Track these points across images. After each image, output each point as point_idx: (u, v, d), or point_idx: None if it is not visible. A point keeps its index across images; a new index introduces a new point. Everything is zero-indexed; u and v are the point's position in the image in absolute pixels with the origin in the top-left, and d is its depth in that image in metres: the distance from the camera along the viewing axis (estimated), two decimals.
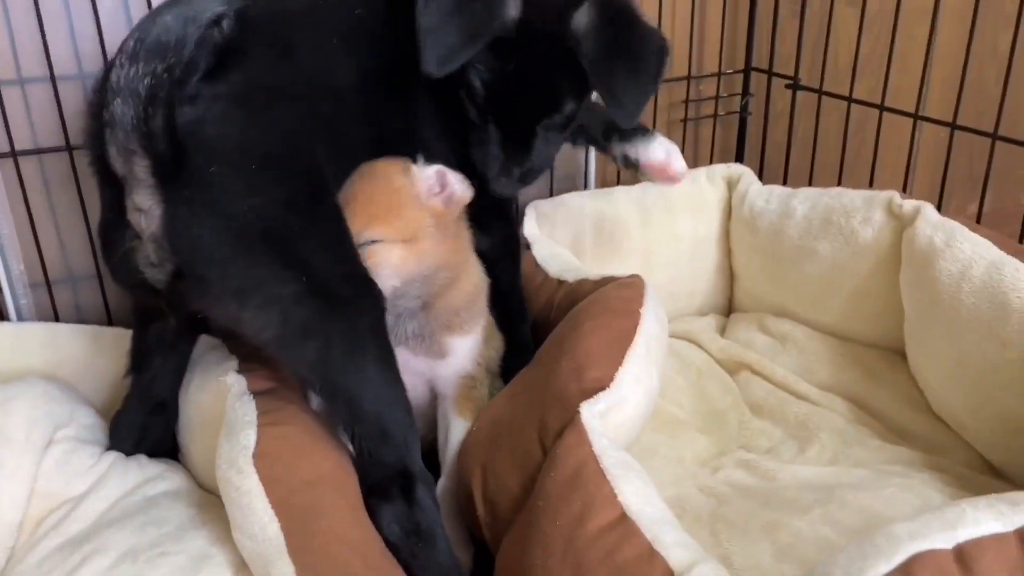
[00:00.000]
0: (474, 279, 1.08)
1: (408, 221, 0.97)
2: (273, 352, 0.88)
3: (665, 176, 1.14)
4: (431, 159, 0.98)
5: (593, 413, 0.84)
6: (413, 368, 1.06)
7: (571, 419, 0.84)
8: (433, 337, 1.05)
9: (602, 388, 0.87)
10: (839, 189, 1.23)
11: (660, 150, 1.13)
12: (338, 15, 0.97)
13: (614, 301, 0.99)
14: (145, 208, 0.82)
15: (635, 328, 0.93)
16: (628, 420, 0.90)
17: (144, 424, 1.04)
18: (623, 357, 0.90)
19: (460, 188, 1.00)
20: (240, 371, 0.99)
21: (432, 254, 0.99)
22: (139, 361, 1.03)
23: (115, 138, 0.79)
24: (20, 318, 1.20)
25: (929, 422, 1.10)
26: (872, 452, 1.07)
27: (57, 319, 1.21)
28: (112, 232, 0.87)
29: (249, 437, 0.87)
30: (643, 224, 1.38)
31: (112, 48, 1.11)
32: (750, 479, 1.04)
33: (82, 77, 1.14)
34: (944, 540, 0.61)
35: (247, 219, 0.82)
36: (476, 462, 0.94)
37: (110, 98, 0.77)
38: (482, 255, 1.08)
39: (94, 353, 1.14)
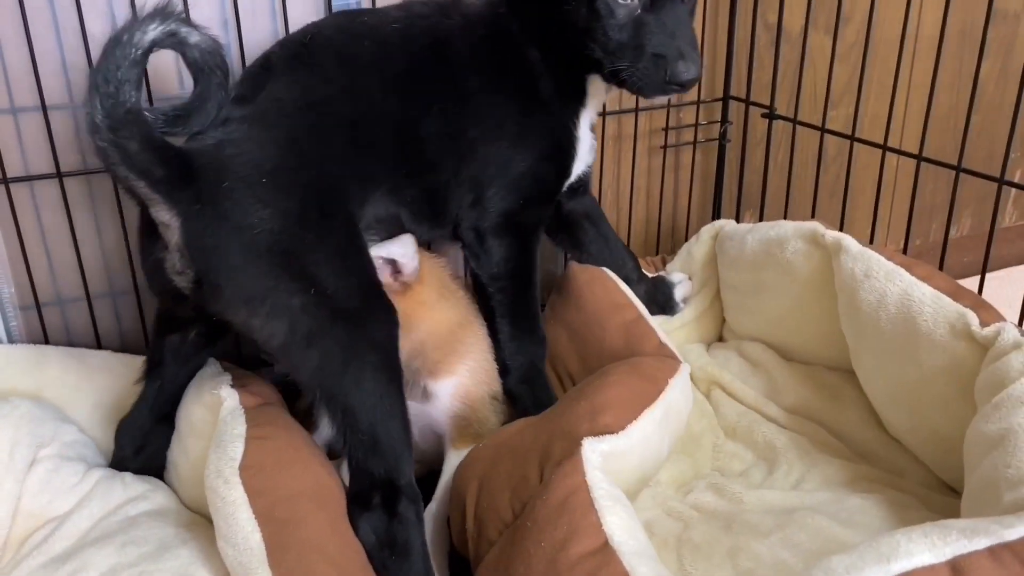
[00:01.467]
0: (445, 322, 1.11)
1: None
2: (280, 358, 0.94)
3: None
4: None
5: (595, 449, 0.88)
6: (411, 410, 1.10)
7: (572, 451, 0.87)
8: (415, 380, 1.09)
9: (612, 433, 0.90)
10: (778, 222, 1.27)
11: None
12: (369, 28, 1.05)
13: (646, 366, 1.03)
14: (167, 221, 0.89)
15: (658, 394, 0.97)
16: (626, 471, 0.93)
17: (148, 431, 1.08)
18: (639, 414, 0.93)
19: (410, 265, 1.06)
20: (233, 386, 1.03)
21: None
22: (151, 369, 1.08)
23: (110, 167, 0.86)
24: (10, 340, 1.23)
25: (886, 441, 1.13)
26: (836, 471, 1.10)
27: (47, 341, 1.24)
28: (146, 241, 0.95)
29: (237, 449, 0.91)
30: None
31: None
32: (718, 502, 1.06)
33: (73, 107, 1.17)
34: (878, 573, 0.64)
35: (257, 231, 0.89)
36: (474, 476, 0.98)
37: (91, 136, 0.83)
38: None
39: (81, 375, 1.17)
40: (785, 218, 1.48)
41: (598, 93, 1.16)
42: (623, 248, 1.34)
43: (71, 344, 1.25)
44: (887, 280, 1.06)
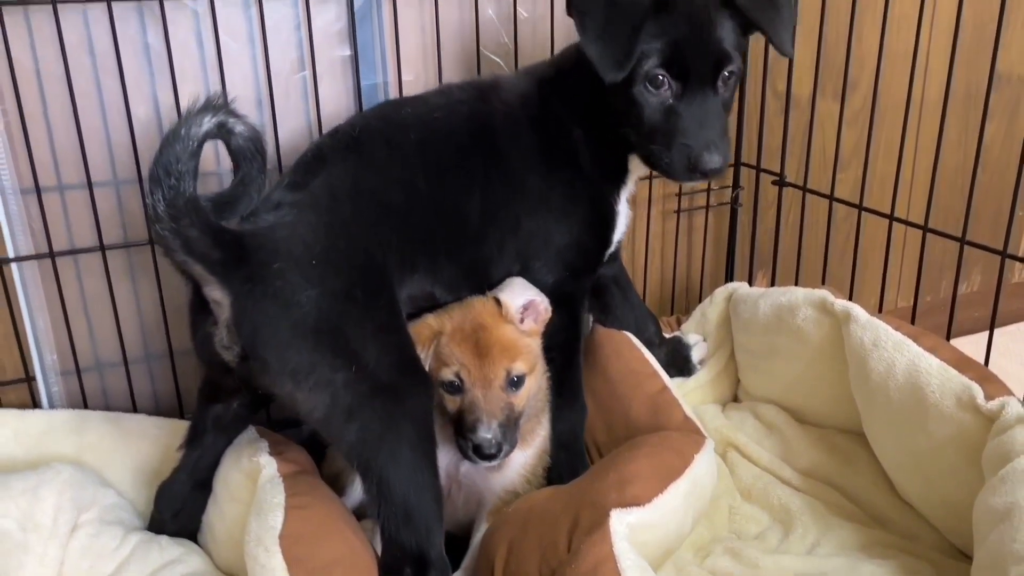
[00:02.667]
0: (536, 385, 1.16)
1: (529, 351, 1.12)
2: (321, 430, 0.99)
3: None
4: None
5: (622, 521, 0.91)
6: (464, 475, 1.14)
7: (601, 521, 0.91)
8: None
9: (639, 505, 0.94)
10: (789, 288, 1.31)
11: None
12: (414, 118, 1.12)
13: (674, 440, 1.07)
14: (219, 299, 0.95)
15: (684, 468, 1.01)
16: (652, 543, 0.96)
17: (187, 497, 1.13)
18: (666, 487, 0.97)
19: (544, 305, 1.14)
20: (271, 453, 1.08)
21: (542, 373, 1.16)
22: (193, 437, 1.12)
23: (169, 253, 0.91)
24: (51, 404, 1.28)
25: (900, 506, 1.16)
26: (850, 535, 1.12)
27: (86, 405, 1.29)
28: (196, 315, 1.00)
29: (277, 518, 0.95)
30: None
31: (144, 155, 1.21)
32: (735, 567, 1.09)
33: (116, 183, 1.24)
34: None
35: (304, 308, 0.94)
36: (503, 539, 1.01)
37: (151, 224, 0.89)
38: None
39: (118, 439, 1.22)
40: (797, 279, 1.53)
41: (638, 169, 1.20)
42: (647, 312, 1.39)
43: (108, 407, 1.31)
44: (895, 350, 1.10)
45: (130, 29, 1.18)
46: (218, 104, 0.92)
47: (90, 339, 1.29)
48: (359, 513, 1.12)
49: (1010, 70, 1.82)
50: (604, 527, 0.89)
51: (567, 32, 1.43)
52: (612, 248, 1.25)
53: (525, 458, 1.15)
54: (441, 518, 0.98)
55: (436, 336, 1.10)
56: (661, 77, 1.05)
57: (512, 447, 1.09)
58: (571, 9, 1.04)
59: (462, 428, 1.08)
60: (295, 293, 0.93)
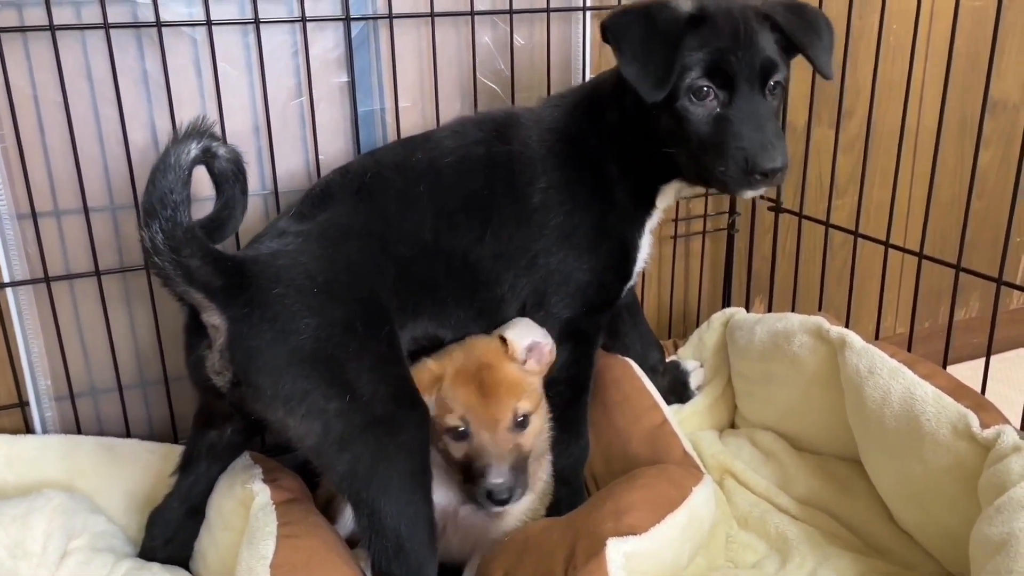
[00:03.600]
0: (540, 426, 1.14)
1: (533, 390, 1.11)
2: (312, 458, 0.98)
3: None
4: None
5: (619, 550, 0.91)
6: (462, 518, 1.13)
7: (597, 551, 0.90)
8: None
9: (635, 535, 0.93)
10: (787, 315, 1.31)
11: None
12: (425, 165, 1.10)
13: (673, 472, 1.07)
14: (216, 324, 0.94)
15: (683, 500, 1.00)
16: (648, 574, 0.95)
17: (179, 524, 1.12)
18: (663, 518, 0.97)
19: (549, 347, 1.13)
20: (264, 480, 1.07)
21: (544, 412, 1.14)
22: (187, 464, 1.11)
23: (168, 283, 0.91)
24: (44, 430, 1.27)
25: (898, 534, 1.14)
26: (848, 565, 1.11)
27: (79, 430, 1.28)
28: (191, 338, 0.99)
29: (268, 547, 0.94)
30: None
31: (141, 182, 1.21)
32: None
33: (112, 208, 1.24)
34: None
35: (302, 336, 0.93)
36: (500, 568, 1.01)
37: (149, 257, 0.88)
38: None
39: (111, 464, 1.21)
40: (793, 306, 1.52)
41: (667, 200, 1.18)
42: (653, 339, 1.39)
43: (102, 432, 1.30)
44: (891, 378, 1.09)
45: (128, 56, 1.19)
46: (201, 129, 0.91)
47: (85, 364, 1.29)
48: (352, 541, 1.11)
49: (1006, 97, 1.83)
50: (600, 556, 0.88)
51: (563, 59, 1.45)
52: (632, 282, 1.23)
53: (529, 502, 1.13)
54: (435, 551, 0.97)
55: (438, 381, 1.08)
56: (706, 88, 1.02)
57: (524, 491, 1.06)
58: (606, 34, 1.04)
59: (471, 475, 1.05)
60: (294, 320, 0.93)
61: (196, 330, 0.97)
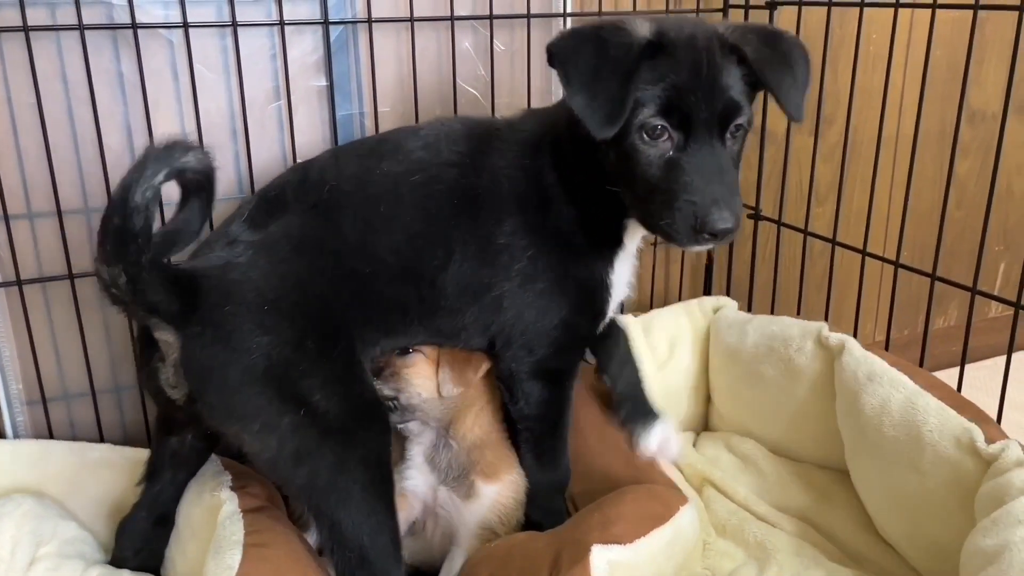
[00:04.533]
0: (486, 425, 1.15)
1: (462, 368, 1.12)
2: (269, 473, 0.98)
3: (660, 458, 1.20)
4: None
5: (603, 557, 0.90)
6: (441, 506, 1.13)
7: (582, 557, 0.90)
8: (466, 474, 1.12)
9: (620, 544, 0.93)
10: (781, 318, 1.31)
11: (653, 441, 1.18)
12: (390, 182, 1.04)
13: (659, 492, 1.06)
14: (169, 340, 0.93)
15: (669, 517, 1.00)
16: None
17: (148, 533, 1.10)
18: (649, 531, 0.96)
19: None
20: (233, 487, 1.06)
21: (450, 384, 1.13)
22: (151, 473, 1.10)
23: (125, 310, 0.90)
24: (16, 435, 1.26)
25: (877, 544, 1.14)
26: (826, 574, 1.10)
27: (51, 435, 1.27)
28: (145, 348, 0.98)
29: (235, 557, 0.93)
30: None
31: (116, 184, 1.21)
32: None
33: (87, 211, 1.23)
34: None
35: (253, 355, 0.92)
36: (485, 571, 1.01)
37: (106, 290, 0.88)
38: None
39: (82, 470, 1.20)
40: (772, 310, 1.52)
41: (636, 236, 1.10)
42: (631, 360, 1.27)
43: (75, 437, 1.28)
44: (891, 386, 1.09)
45: (103, 58, 1.18)
46: (160, 155, 0.85)
47: (57, 368, 1.27)
48: (322, 549, 1.10)
49: (985, 107, 1.84)
50: (584, 562, 0.88)
51: (544, 65, 1.44)
52: (607, 317, 1.15)
53: (494, 493, 1.13)
54: (399, 560, 0.96)
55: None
56: (660, 127, 0.92)
57: None
58: (552, 60, 0.94)
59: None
60: (245, 339, 0.92)
61: (150, 342, 0.96)
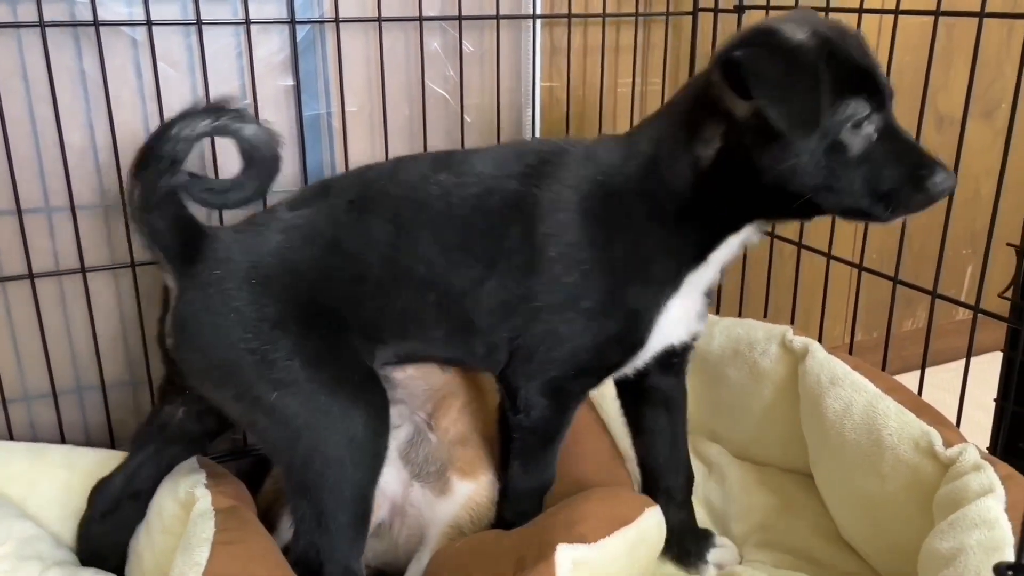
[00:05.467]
0: (484, 432, 1.16)
1: None
2: (249, 432, 1.02)
3: None
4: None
5: (567, 556, 0.90)
6: (412, 504, 1.13)
7: (547, 555, 0.90)
8: (442, 470, 1.12)
9: (585, 543, 0.93)
10: (747, 321, 1.32)
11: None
12: (441, 191, 1.02)
13: (625, 495, 1.06)
14: (171, 287, 0.99)
15: (634, 518, 0.99)
16: None
17: (119, 501, 1.11)
18: (613, 531, 0.96)
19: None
20: (207, 485, 1.06)
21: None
22: (139, 438, 1.11)
23: (137, 231, 0.97)
24: None
25: (840, 547, 1.15)
26: None
27: (11, 436, 1.25)
28: (165, 302, 1.02)
29: (203, 554, 0.93)
30: None
31: (77, 184, 1.20)
32: None
33: (48, 211, 1.22)
34: None
35: (229, 322, 0.96)
36: (448, 570, 1.02)
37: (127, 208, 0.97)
38: None
39: (41, 470, 1.18)
40: (740, 312, 1.53)
41: (725, 253, 1.03)
42: (686, 457, 1.19)
43: (36, 439, 1.27)
44: (853, 390, 1.10)
45: (65, 55, 1.17)
46: (221, 107, 0.94)
47: (17, 369, 1.26)
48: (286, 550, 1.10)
49: (953, 112, 1.85)
50: (549, 560, 0.88)
51: (513, 66, 1.45)
52: (656, 352, 1.06)
53: (470, 491, 1.13)
54: (359, 552, 0.98)
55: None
56: (866, 114, 0.90)
57: None
58: (733, 74, 0.89)
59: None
60: (225, 304, 0.96)
61: (167, 295, 1.01)
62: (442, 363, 1.14)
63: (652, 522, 1.03)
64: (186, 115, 0.92)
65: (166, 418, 1.09)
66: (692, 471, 1.18)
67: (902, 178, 0.91)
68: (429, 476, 1.13)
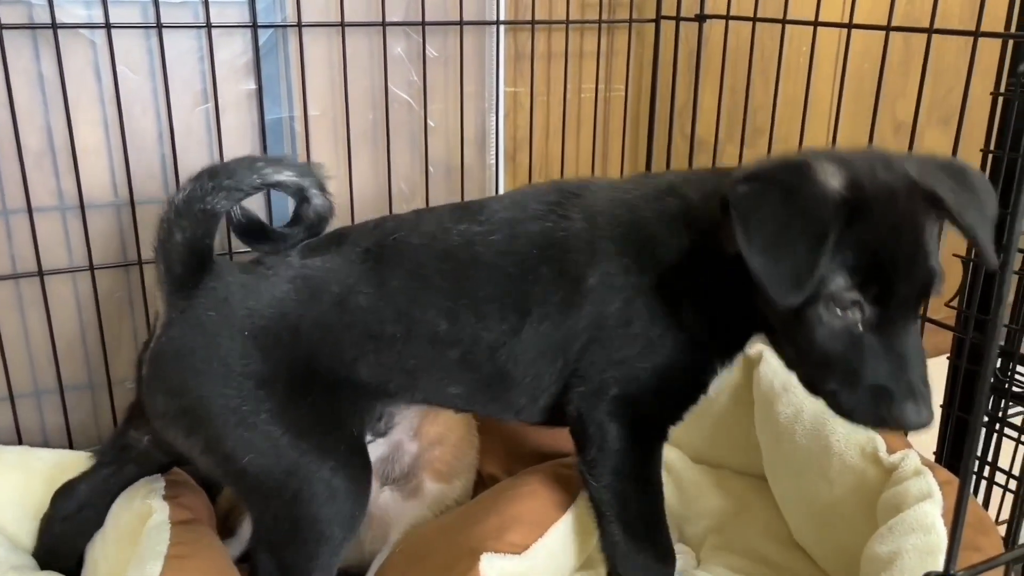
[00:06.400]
0: (465, 429, 1.17)
1: None
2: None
3: None
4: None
5: (493, 566, 0.91)
6: (380, 506, 1.14)
7: (472, 567, 0.91)
8: (414, 471, 1.13)
9: (516, 554, 0.94)
10: None
11: None
12: (463, 240, 0.96)
13: (566, 473, 1.06)
14: (160, 308, 0.94)
15: (571, 502, 1.00)
16: None
17: (81, 507, 1.08)
18: (547, 529, 0.96)
19: None
20: (165, 497, 1.05)
21: None
22: (102, 456, 1.08)
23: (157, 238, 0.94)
24: None
25: (793, 550, 1.17)
26: None
27: None
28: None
29: (155, 568, 0.92)
30: None
31: (35, 187, 1.19)
32: None
33: (5, 213, 1.21)
34: None
35: (215, 369, 0.90)
36: (389, 573, 1.03)
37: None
38: None
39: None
40: None
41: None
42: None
43: None
44: (804, 396, 1.10)
45: (23, 58, 1.16)
46: (306, 170, 0.94)
47: None
48: (247, 555, 1.10)
49: (910, 119, 1.89)
50: (474, 571, 0.89)
51: (477, 71, 1.46)
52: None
53: (441, 492, 1.14)
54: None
55: None
56: (854, 301, 0.79)
57: None
58: (729, 209, 0.80)
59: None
60: (212, 350, 0.91)
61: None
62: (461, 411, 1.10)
63: (583, 507, 1.03)
64: (275, 161, 0.92)
65: (131, 441, 1.05)
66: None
67: (866, 387, 0.80)
68: (400, 481, 1.14)
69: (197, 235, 0.90)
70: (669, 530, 0.98)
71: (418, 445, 1.15)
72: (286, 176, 0.92)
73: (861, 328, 0.80)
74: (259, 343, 0.91)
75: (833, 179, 0.79)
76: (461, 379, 0.96)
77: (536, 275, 0.93)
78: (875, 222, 0.79)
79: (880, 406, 0.80)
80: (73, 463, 1.14)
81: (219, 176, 0.89)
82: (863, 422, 0.83)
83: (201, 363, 0.90)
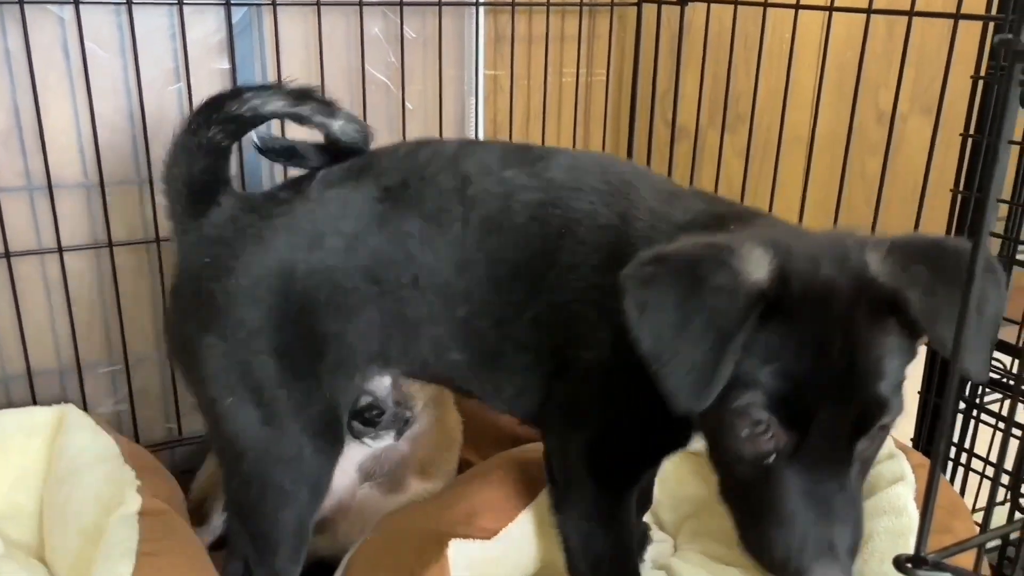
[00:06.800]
0: (454, 430, 1.18)
1: None
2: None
3: None
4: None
5: (461, 552, 0.91)
6: (360, 502, 1.13)
7: (440, 554, 0.90)
8: (400, 469, 1.13)
9: (485, 539, 0.93)
10: None
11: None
12: (501, 191, 0.86)
13: (533, 462, 1.03)
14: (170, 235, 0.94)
15: (538, 491, 0.98)
16: (497, 573, 0.95)
17: None
18: (515, 516, 0.95)
19: None
20: (139, 489, 1.01)
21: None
22: None
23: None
24: None
25: None
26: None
27: None
28: None
29: (127, 567, 0.90)
30: None
31: (3, 170, 1.18)
32: None
33: None
34: None
35: (198, 319, 0.89)
36: (361, 561, 1.02)
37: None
38: None
39: None
40: None
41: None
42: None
43: None
44: None
45: None
46: (302, 93, 0.89)
47: None
48: (219, 543, 1.09)
49: (890, 108, 1.89)
50: (442, 560, 0.89)
51: (456, 53, 1.44)
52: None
53: (423, 490, 1.13)
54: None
55: None
56: (764, 425, 0.66)
57: None
58: (623, 294, 0.68)
59: None
60: (206, 290, 0.88)
61: None
62: (459, 393, 1.02)
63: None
64: (261, 90, 0.88)
65: None
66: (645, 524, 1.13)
67: (771, 539, 0.68)
68: (384, 478, 1.13)
69: (194, 171, 0.89)
70: (637, 566, 0.93)
71: (408, 446, 1.14)
72: (278, 106, 0.87)
73: (774, 459, 0.67)
74: (255, 289, 0.86)
75: (756, 268, 0.65)
76: (466, 345, 0.87)
77: (554, 260, 0.82)
78: (800, 327, 0.65)
79: (784, 559, 0.67)
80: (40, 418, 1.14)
81: (206, 111, 0.88)
82: (766, 567, 0.70)
83: (190, 301, 0.90)
